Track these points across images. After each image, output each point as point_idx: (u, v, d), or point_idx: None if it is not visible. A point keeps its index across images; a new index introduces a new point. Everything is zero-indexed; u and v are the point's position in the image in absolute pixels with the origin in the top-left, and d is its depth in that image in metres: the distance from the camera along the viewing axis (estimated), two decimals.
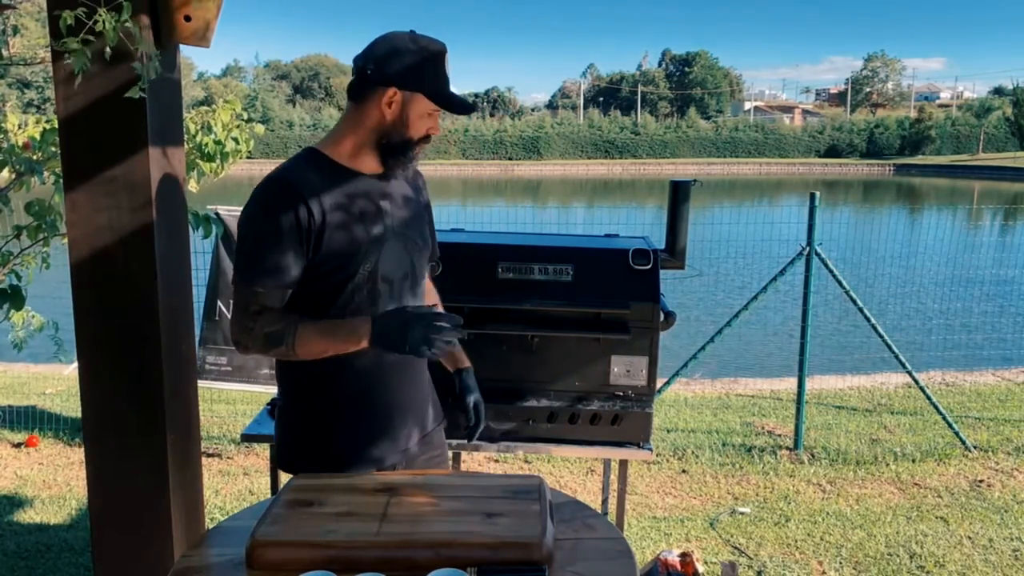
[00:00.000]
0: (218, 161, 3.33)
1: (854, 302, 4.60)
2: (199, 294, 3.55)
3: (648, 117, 59.74)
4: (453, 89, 1.79)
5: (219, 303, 4.14)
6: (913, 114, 56.58)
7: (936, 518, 3.75)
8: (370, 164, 1.78)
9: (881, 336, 4.61)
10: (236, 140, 3.37)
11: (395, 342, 1.67)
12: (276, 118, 52.11)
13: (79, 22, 1.64)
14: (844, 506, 3.88)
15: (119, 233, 1.83)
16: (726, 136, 54.21)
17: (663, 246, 2.56)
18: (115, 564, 1.97)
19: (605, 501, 2.85)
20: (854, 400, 5.62)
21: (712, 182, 34.60)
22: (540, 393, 2.35)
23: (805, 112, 74.61)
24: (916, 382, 4.72)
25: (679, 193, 2.59)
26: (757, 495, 4.03)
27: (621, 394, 2.34)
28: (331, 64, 76.09)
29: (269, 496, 2.43)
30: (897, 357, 4.63)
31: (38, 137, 2.90)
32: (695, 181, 2.67)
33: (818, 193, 4.54)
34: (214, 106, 3.40)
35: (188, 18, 1.80)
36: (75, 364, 1.93)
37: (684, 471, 4.33)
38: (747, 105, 77.41)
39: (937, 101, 77.83)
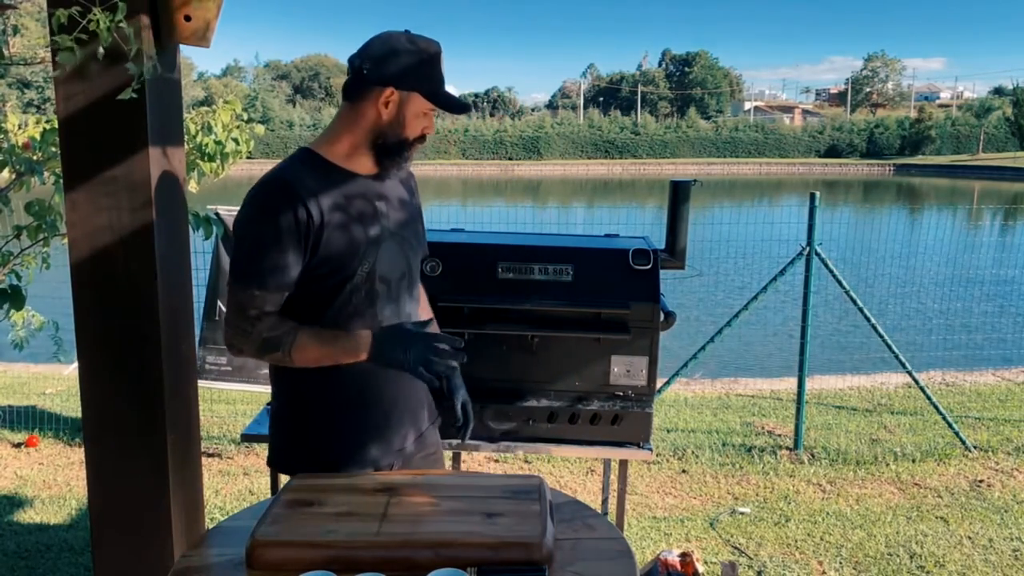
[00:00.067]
0: (218, 161, 3.33)
1: (854, 302, 4.60)
2: (199, 294, 3.56)
3: (648, 117, 59.72)
4: (451, 89, 1.81)
5: (219, 303, 4.14)
6: (913, 114, 56.57)
7: (936, 518, 3.75)
8: (365, 164, 1.78)
9: (881, 336, 4.61)
10: (236, 141, 3.37)
11: (395, 360, 1.69)
12: (276, 118, 52.10)
13: (73, 20, 1.64)
14: (844, 506, 3.88)
15: (119, 233, 1.83)
16: (726, 136, 54.20)
17: (663, 246, 2.56)
18: (115, 564, 1.97)
19: (605, 501, 2.85)
20: (854, 400, 5.62)
21: (712, 182, 34.61)
22: (540, 393, 2.35)
23: (805, 112, 74.61)
24: (916, 382, 4.72)
25: (679, 193, 2.59)
26: (757, 495, 4.03)
27: (621, 394, 2.34)
28: (331, 64, 76.07)
29: (269, 496, 2.43)
30: (897, 357, 4.63)
31: (38, 137, 2.90)
32: (695, 181, 2.67)
33: (818, 193, 4.54)
34: (214, 106, 3.41)
35: (188, 18, 1.81)
36: (75, 364, 1.93)
37: (684, 471, 4.33)
38: (747, 105, 77.40)
39: (937, 101, 77.81)
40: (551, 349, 2.32)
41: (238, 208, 1.73)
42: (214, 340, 4.14)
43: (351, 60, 1.73)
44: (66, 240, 1.94)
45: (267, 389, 4.00)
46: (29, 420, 4.84)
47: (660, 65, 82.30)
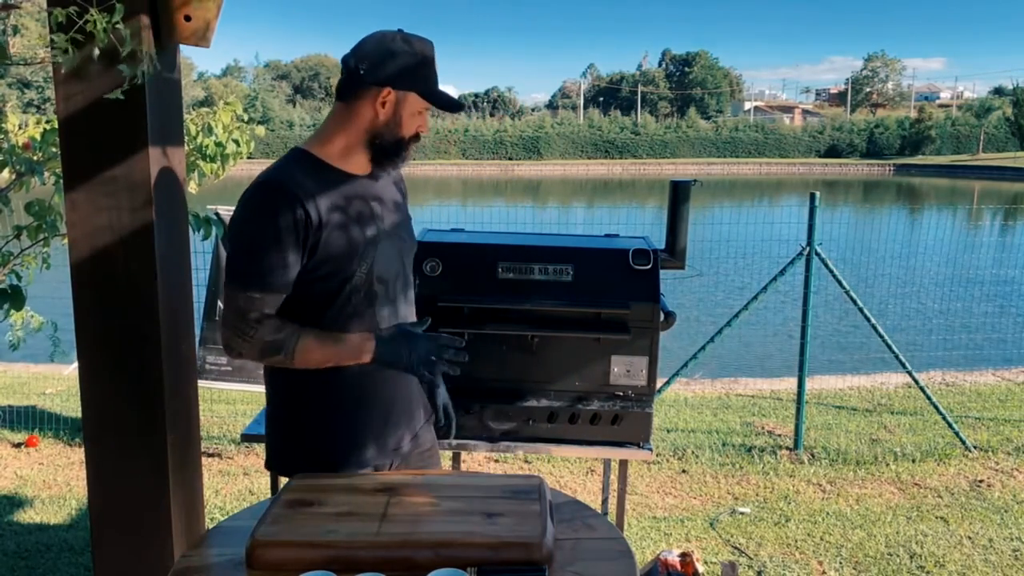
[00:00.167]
0: (218, 163, 3.33)
1: (854, 302, 4.60)
2: (199, 294, 3.55)
3: (648, 117, 59.70)
4: (449, 88, 1.81)
5: (219, 303, 4.14)
6: (913, 114, 56.55)
7: (936, 518, 3.75)
8: (359, 165, 1.78)
9: (881, 336, 4.61)
10: (237, 142, 3.37)
11: (398, 361, 1.72)
12: (276, 118, 52.10)
13: (71, 20, 1.64)
14: (844, 506, 3.88)
15: (119, 233, 1.83)
16: (726, 136, 54.18)
17: (663, 246, 2.56)
18: (115, 564, 1.97)
19: (605, 501, 2.85)
20: (854, 400, 5.62)
21: (712, 182, 34.60)
22: (540, 393, 2.35)
23: (805, 112, 74.58)
24: (916, 382, 4.72)
25: (679, 193, 2.59)
26: (757, 495, 4.03)
27: (621, 394, 2.34)
28: (331, 64, 76.03)
29: (269, 496, 2.43)
30: (897, 357, 4.63)
31: (38, 137, 2.90)
32: (695, 181, 2.67)
33: (818, 193, 4.54)
34: (215, 107, 3.41)
35: (188, 18, 1.81)
36: (75, 364, 1.93)
37: (684, 471, 4.33)
38: (747, 105, 77.38)
39: (937, 101, 77.77)
40: (551, 349, 2.32)
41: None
42: (214, 340, 4.14)
43: (345, 60, 1.74)
44: (66, 240, 1.94)
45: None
46: (29, 420, 4.84)
47: (660, 65, 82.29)
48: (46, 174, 2.84)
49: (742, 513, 3.80)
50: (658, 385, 3.83)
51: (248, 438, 2.50)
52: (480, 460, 4.39)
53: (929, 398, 4.75)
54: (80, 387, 1.90)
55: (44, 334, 3.29)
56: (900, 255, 8.93)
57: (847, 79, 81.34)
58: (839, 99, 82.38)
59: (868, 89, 78.92)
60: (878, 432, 4.90)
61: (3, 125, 2.94)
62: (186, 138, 3.01)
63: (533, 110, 76.53)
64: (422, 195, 28.70)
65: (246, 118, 3.47)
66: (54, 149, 2.84)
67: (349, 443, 1.80)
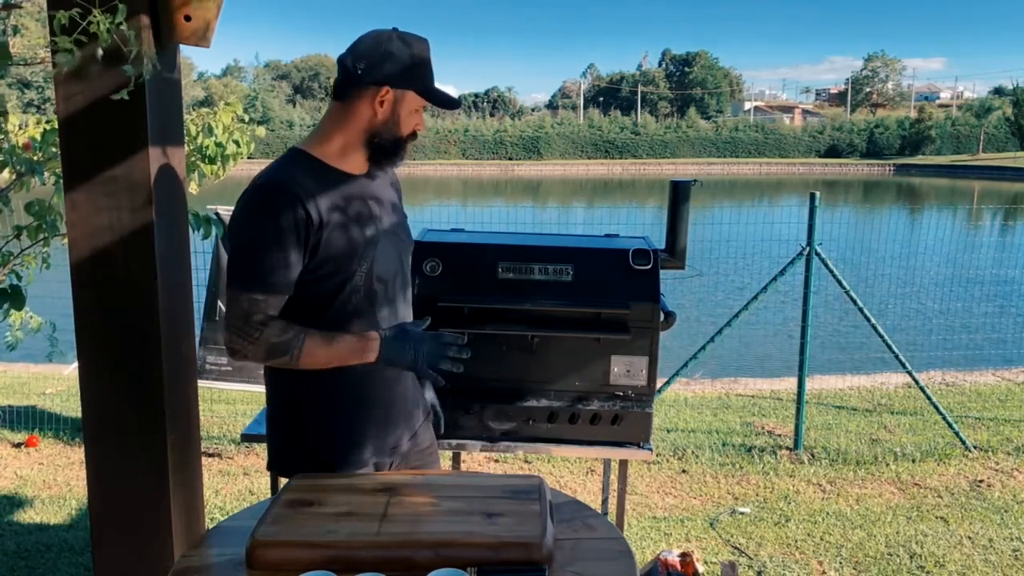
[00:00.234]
0: (219, 163, 3.33)
1: (854, 302, 4.60)
2: (199, 294, 3.55)
3: (648, 117, 59.72)
4: (448, 88, 1.82)
5: (219, 303, 4.14)
6: (913, 114, 56.56)
7: (936, 518, 3.75)
8: (356, 164, 1.79)
9: (881, 336, 4.61)
10: (237, 143, 3.37)
11: (403, 360, 1.73)
12: (276, 118, 52.10)
13: (74, 22, 1.64)
14: (844, 506, 3.88)
15: (119, 233, 1.83)
16: (726, 136, 54.19)
17: (663, 246, 2.56)
18: (115, 564, 1.97)
19: (605, 501, 2.85)
20: (854, 400, 5.62)
21: (712, 182, 34.60)
22: (540, 393, 2.35)
23: (805, 112, 74.58)
24: (916, 382, 4.72)
25: (679, 193, 2.59)
26: (757, 495, 4.03)
27: (621, 394, 2.34)
28: (331, 64, 75.88)
29: (269, 496, 2.43)
30: (897, 357, 4.63)
31: (38, 137, 2.90)
32: (695, 181, 2.67)
33: (818, 193, 4.54)
34: (215, 108, 3.41)
35: (188, 18, 1.81)
36: (75, 364, 1.93)
37: (684, 471, 4.33)
38: (747, 105, 77.37)
39: (937, 101, 77.76)
40: (551, 349, 2.32)
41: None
42: (214, 340, 4.14)
43: (341, 60, 1.74)
44: (66, 240, 1.94)
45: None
46: (29, 420, 4.84)
47: (660, 65, 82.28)
48: (46, 174, 2.84)
49: (742, 513, 3.80)
50: (658, 385, 3.83)
51: (248, 438, 2.50)
52: (480, 460, 4.39)
53: (929, 398, 4.75)
54: (80, 387, 1.90)
55: (43, 334, 3.29)
56: (900, 255, 8.93)
57: (847, 79, 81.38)
58: (839, 99, 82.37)
59: (868, 89, 78.91)
60: (878, 432, 4.90)
61: (3, 126, 2.94)
62: (186, 138, 3.00)
63: (533, 110, 76.55)
64: (422, 195, 28.71)
65: (246, 119, 3.47)
66: (54, 149, 2.84)
67: (349, 443, 1.80)
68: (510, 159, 51.25)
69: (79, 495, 3.91)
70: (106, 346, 1.89)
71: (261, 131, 3.56)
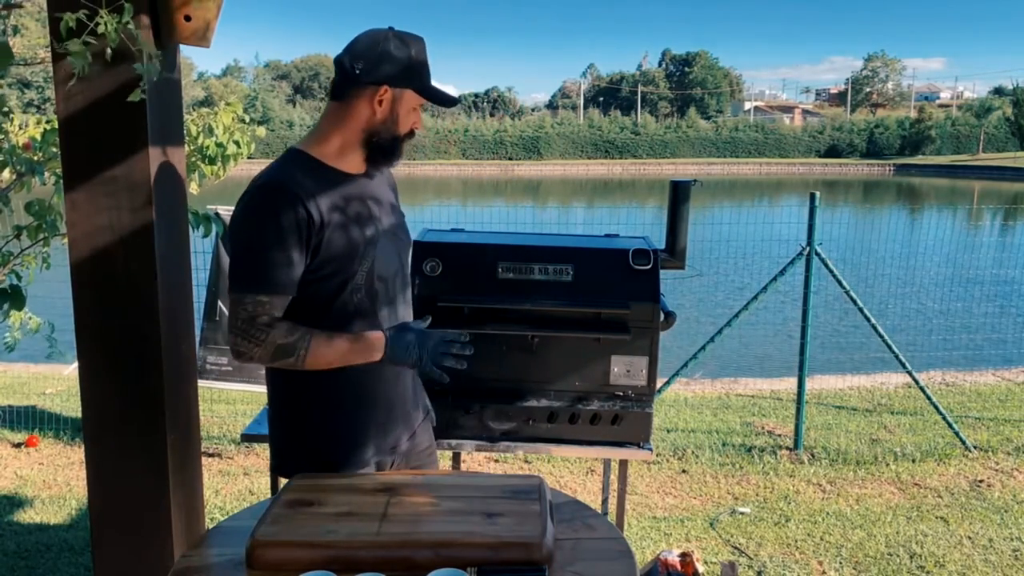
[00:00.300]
0: (219, 163, 3.33)
1: (854, 302, 4.60)
2: (199, 294, 3.55)
3: (648, 117, 59.71)
4: (450, 88, 1.82)
5: (219, 303, 4.14)
6: (913, 114, 56.56)
7: (936, 518, 3.75)
8: (354, 164, 1.79)
9: (881, 336, 4.61)
10: (237, 143, 3.37)
11: (408, 359, 1.74)
12: (276, 118, 52.09)
13: (80, 24, 1.64)
14: (844, 506, 3.88)
15: (119, 233, 1.83)
16: (726, 136, 54.19)
17: (663, 246, 2.56)
18: (115, 564, 1.97)
19: (605, 501, 2.85)
20: (854, 400, 5.62)
21: (712, 182, 34.60)
22: (540, 393, 2.35)
23: (805, 112, 74.57)
24: (916, 382, 4.72)
25: (679, 193, 2.59)
26: (757, 495, 4.03)
27: (621, 394, 2.34)
28: (331, 64, 75.42)
29: (269, 496, 2.43)
30: (897, 357, 4.63)
31: (39, 137, 2.90)
32: (695, 181, 2.67)
33: (818, 193, 4.54)
34: (215, 108, 3.41)
35: (188, 18, 1.81)
36: (75, 364, 1.93)
37: (684, 471, 4.33)
38: (747, 105, 77.36)
39: (937, 101, 77.75)
40: (551, 349, 2.32)
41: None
42: (214, 340, 4.14)
43: (339, 60, 1.75)
44: (66, 240, 1.94)
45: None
46: (29, 420, 4.84)
47: (660, 65, 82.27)
48: (46, 174, 2.84)
49: (742, 513, 3.80)
50: (658, 385, 3.83)
51: (248, 438, 2.50)
52: (480, 460, 4.39)
53: (929, 398, 4.75)
54: (80, 387, 1.90)
55: (43, 334, 3.29)
56: (900, 255, 8.93)
57: (847, 79, 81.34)
58: (839, 99, 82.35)
59: (868, 89, 78.89)
60: (878, 432, 4.90)
61: (4, 126, 2.94)
62: (187, 139, 3.00)
63: (533, 110, 76.53)
64: (422, 195, 28.72)
65: (247, 119, 3.47)
66: (54, 149, 2.84)
67: (351, 442, 1.80)
68: (510, 159, 51.25)
69: (79, 495, 3.91)
70: (106, 346, 1.89)
71: (261, 131, 3.56)
